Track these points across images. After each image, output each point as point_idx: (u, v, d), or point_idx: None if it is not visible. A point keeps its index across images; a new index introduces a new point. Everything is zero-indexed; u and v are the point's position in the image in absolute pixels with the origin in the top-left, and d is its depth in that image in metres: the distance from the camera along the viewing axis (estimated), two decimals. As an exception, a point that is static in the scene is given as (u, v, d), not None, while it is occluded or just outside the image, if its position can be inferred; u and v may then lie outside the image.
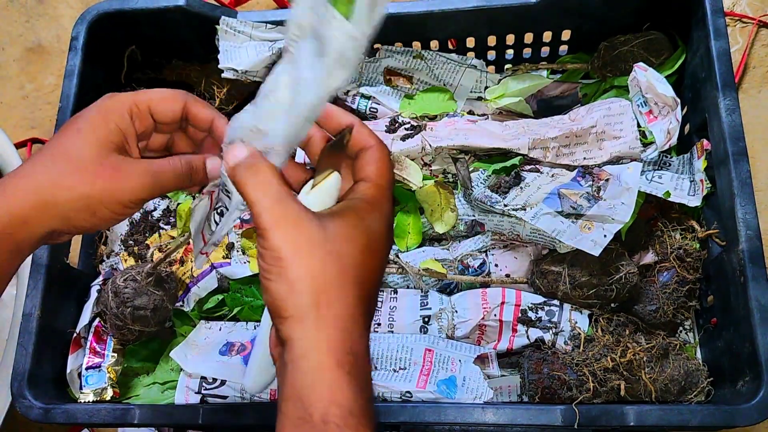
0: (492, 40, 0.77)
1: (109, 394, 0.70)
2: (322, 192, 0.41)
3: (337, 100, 0.79)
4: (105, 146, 0.43)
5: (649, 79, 0.70)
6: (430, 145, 0.71)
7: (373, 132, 0.42)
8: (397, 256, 0.72)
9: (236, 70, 0.74)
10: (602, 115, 0.71)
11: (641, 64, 0.72)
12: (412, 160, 0.72)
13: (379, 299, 0.72)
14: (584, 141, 0.71)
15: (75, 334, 0.72)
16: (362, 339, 0.37)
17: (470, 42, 0.78)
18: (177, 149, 0.50)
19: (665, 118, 0.71)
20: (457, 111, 0.77)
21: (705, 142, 0.68)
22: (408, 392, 0.64)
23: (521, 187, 0.70)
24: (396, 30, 0.75)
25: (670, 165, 0.71)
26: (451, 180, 0.74)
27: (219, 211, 0.46)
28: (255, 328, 0.72)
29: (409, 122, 0.74)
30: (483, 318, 0.68)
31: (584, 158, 0.71)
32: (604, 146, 0.71)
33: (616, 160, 0.71)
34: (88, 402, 0.69)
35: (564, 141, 0.71)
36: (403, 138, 0.72)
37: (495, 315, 0.68)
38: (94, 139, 0.43)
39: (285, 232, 0.37)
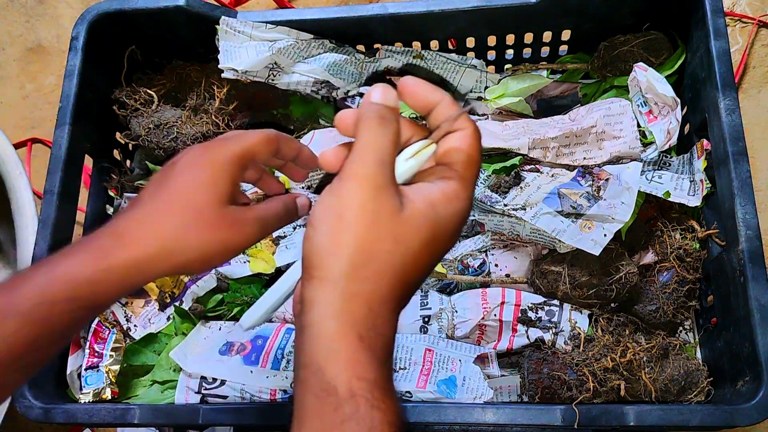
0: (492, 40, 0.77)
1: (107, 393, 0.70)
2: (416, 164, 0.38)
3: (336, 101, 0.79)
4: (224, 200, 0.44)
5: (649, 79, 0.70)
6: (430, 145, 0.71)
7: (468, 115, 0.39)
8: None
9: (236, 70, 0.74)
10: (602, 115, 0.71)
11: (641, 64, 0.72)
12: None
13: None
14: (584, 141, 0.71)
15: (75, 334, 0.72)
16: (389, 324, 0.35)
17: (470, 42, 0.78)
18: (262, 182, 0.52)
19: (665, 118, 0.71)
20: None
21: (705, 142, 0.68)
22: (408, 392, 0.64)
23: (521, 187, 0.70)
24: (396, 30, 0.75)
25: (670, 165, 0.71)
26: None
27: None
28: (254, 328, 0.72)
29: (409, 122, 0.74)
30: (483, 318, 0.68)
31: (584, 158, 0.71)
32: (604, 146, 0.71)
33: (616, 160, 0.71)
34: (88, 402, 0.69)
35: (564, 141, 0.71)
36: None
37: (495, 315, 0.68)
38: (214, 192, 0.43)
39: (362, 194, 0.35)
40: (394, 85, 0.39)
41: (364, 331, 0.34)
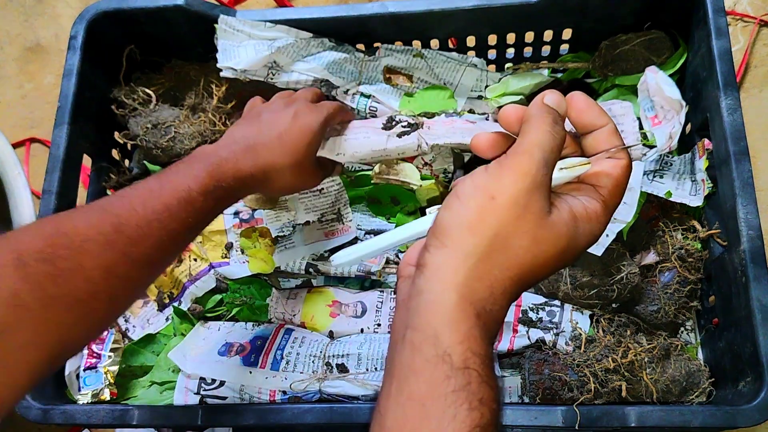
0: (492, 39, 0.77)
1: (106, 394, 0.70)
2: (568, 177, 0.40)
3: (336, 99, 0.78)
4: (314, 155, 0.62)
5: (658, 82, 0.70)
6: (427, 143, 0.70)
7: (627, 148, 0.40)
8: (398, 256, 0.72)
9: (235, 69, 0.74)
10: (603, 114, 0.71)
11: (653, 67, 0.71)
12: (410, 159, 0.72)
13: (379, 299, 0.71)
14: (585, 140, 0.71)
15: (73, 335, 0.71)
16: (502, 311, 0.37)
17: (471, 41, 0.77)
18: None
19: (669, 122, 0.70)
20: (458, 110, 0.77)
21: (706, 141, 0.68)
22: (408, 393, 0.64)
23: (522, 187, 0.70)
24: (396, 28, 0.74)
25: (671, 165, 0.71)
26: (451, 178, 0.74)
27: None
28: (254, 328, 0.72)
29: (406, 120, 0.73)
30: (483, 318, 0.68)
31: (585, 158, 0.71)
32: (605, 146, 0.71)
33: (617, 160, 0.70)
34: (87, 403, 0.69)
35: (565, 140, 0.71)
36: (399, 135, 0.71)
37: (495, 315, 0.68)
38: (311, 151, 0.60)
39: (519, 186, 0.36)
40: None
41: (482, 310, 0.35)
